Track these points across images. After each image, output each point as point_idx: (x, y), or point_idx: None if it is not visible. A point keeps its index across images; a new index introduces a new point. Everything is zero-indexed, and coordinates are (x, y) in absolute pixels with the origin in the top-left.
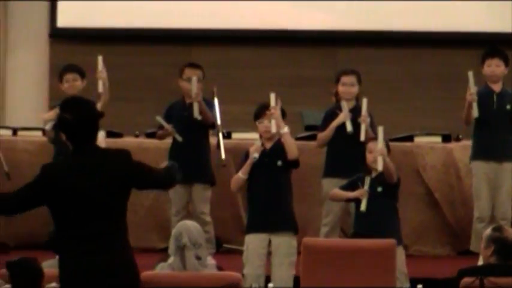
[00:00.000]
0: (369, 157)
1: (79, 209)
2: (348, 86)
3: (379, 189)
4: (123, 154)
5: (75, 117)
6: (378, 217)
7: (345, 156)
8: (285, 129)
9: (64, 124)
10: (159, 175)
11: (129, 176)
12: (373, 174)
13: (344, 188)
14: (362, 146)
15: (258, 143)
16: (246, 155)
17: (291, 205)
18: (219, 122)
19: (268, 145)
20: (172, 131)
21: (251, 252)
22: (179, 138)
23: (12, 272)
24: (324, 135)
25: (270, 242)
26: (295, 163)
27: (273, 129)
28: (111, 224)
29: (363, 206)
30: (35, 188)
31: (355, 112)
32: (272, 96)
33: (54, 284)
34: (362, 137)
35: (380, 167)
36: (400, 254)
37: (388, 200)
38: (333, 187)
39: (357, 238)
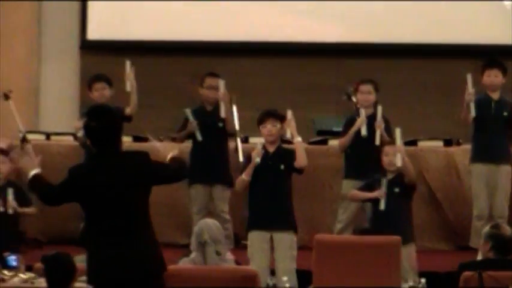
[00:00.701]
0: (385, 160)
1: (103, 206)
2: (365, 94)
3: (396, 190)
4: (142, 155)
5: (98, 124)
6: (395, 216)
7: (363, 159)
8: (299, 139)
9: (88, 130)
10: (171, 171)
11: (148, 175)
12: (389, 176)
13: (361, 188)
14: (378, 150)
15: (259, 147)
16: (248, 158)
17: (291, 206)
18: (237, 127)
19: (272, 149)
20: (195, 127)
21: (255, 248)
22: (199, 137)
23: (48, 266)
24: (344, 140)
25: (271, 238)
26: (301, 170)
27: (288, 135)
28: (134, 219)
29: (382, 205)
30: (65, 189)
31: (372, 118)
32: (289, 113)
33: (84, 278)
34: (377, 142)
35: (399, 162)
36: (412, 250)
37: (404, 200)
38: (351, 188)
39: (365, 235)
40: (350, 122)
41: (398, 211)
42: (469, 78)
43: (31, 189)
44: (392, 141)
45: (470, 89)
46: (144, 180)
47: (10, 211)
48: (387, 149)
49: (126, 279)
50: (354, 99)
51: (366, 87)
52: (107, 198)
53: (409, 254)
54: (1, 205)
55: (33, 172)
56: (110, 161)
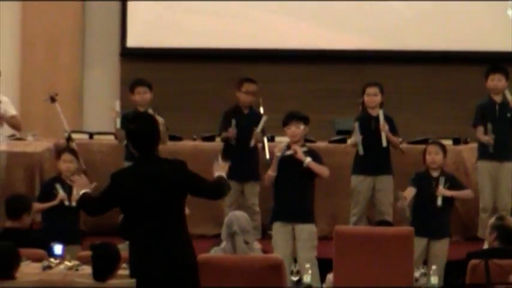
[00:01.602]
0: (428, 158)
1: (142, 209)
2: (371, 96)
3: (446, 187)
4: (180, 165)
5: (137, 127)
6: (443, 213)
7: (370, 157)
8: (307, 160)
9: (129, 132)
10: (210, 186)
11: (184, 184)
12: (434, 174)
13: (412, 182)
14: (384, 148)
15: (283, 145)
16: (272, 155)
17: (312, 200)
18: (260, 128)
19: (297, 150)
20: (233, 135)
21: (279, 238)
22: (233, 142)
23: (95, 254)
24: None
25: (293, 229)
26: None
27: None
28: (170, 220)
29: (440, 202)
30: (108, 195)
31: (378, 120)
32: (297, 148)
33: (125, 265)
34: (384, 143)
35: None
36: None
37: (449, 198)
38: (358, 183)
39: (382, 226)
40: (357, 120)
41: (443, 206)
42: (479, 131)
43: (79, 204)
44: (399, 142)
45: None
46: (179, 188)
47: (74, 204)
48: (430, 148)
49: (163, 277)
50: (360, 100)
51: (372, 90)
52: (145, 201)
53: (442, 248)
54: (66, 199)
55: (83, 191)
56: (148, 167)
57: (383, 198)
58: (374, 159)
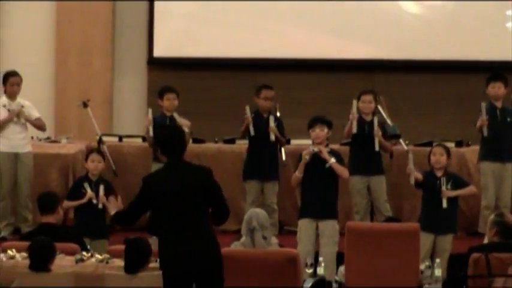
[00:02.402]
0: (432, 159)
1: (172, 209)
2: (366, 103)
3: (449, 186)
4: (206, 171)
5: (167, 138)
6: (448, 211)
7: (364, 158)
8: (332, 160)
9: (160, 142)
10: (222, 206)
11: (207, 191)
12: (438, 174)
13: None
14: (376, 151)
15: (311, 148)
16: (300, 157)
17: (336, 198)
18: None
19: (323, 150)
20: (250, 122)
21: (303, 233)
22: (252, 132)
23: (128, 247)
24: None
25: (317, 226)
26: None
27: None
28: (196, 220)
29: (445, 204)
30: (140, 200)
31: (371, 125)
32: (323, 149)
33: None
34: (376, 148)
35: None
36: (451, 240)
37: (454, 197)
38: (355, 183)
39: (389, 222)
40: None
41: (450, 207)
42: (483, 106)
43: (114, 221)
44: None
45: (483, 115)
46: (203, 193)
47: (100, 206)
48: (435, 149)
49: (191, 269)
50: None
51: (367, 97)
52: (174, 202)
53: (447, 243)
54: (94, 197)
55: (115, 210)
56: (177, 171)
57: (378, 196)
58: (367, 161)
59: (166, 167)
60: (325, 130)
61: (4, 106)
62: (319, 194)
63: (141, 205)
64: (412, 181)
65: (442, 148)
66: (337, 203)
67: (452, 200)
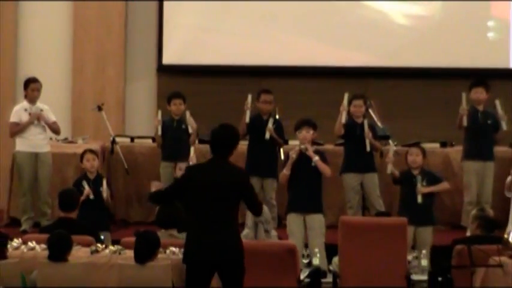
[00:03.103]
0: (409, 159)
1: (204, 202)
2: (357, 107)
3: (424, 183)
4: (243, 174)
5: (221, 136)
6: (425, 205)
7: (356, 158)
8: (316, 158)
9: (213, 138)
10: (256, 204)
11: (241, 193)
12: (415, 172)
13: (398, 179)
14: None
15: (297, 148)
16: (287, 156)
17: (321, 193)
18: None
19: (309, 148)
20: (248, 109)
21: (293, 227)
22: (247, 119)
23: (138, 239)
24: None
25: (304, 219)
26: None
27: (302, 148)
28: (224, 214)
29: (420, 199)
30: (178, 184)
31: (362, 127)
32: (309, 147)
33: (161, 250)
34: (367, 148)
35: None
36: (431, 231)
37: (430, 193)
38: (349, 180)
39: (380, 216)
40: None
41: (426, 202)
42: (464, 96)
43: (150, 198)
44: (381, 146)
45: (464, 105)
46: (237, 194)
47: (105, 195)
48: (411, 150)
49: (213, 260)
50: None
51: (358, 102)
52: (207, 195)
53: (428, 234)
54: (91, 194)
55: (155, 189)
56: (218, 168)
57: (371, 192)
58: (359, 160)
59: (209, 162)
60: (311, 132)
61: (25, 110)
62: (305, 190)
63: (177, 190)
64: (389, 171)
65: (418, 149)
66: (322, 198)
67: (427, 195)
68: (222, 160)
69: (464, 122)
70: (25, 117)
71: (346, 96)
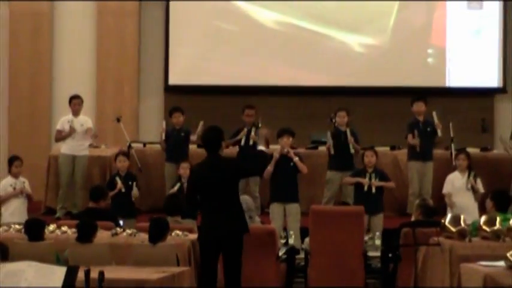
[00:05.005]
0: (365, 159)
1: (210, 191)
2: (341, 118)
3: (377, 179)
4: (234, 161)
5: (208, 137)
6: (376, 197)
7: (340, 158)
8: (296, 159)
9: (203, 140)
10: (251, 167)
11: (237, 173)
12: (370, 170)
13: (352, 175)
14: (349, 154)
15: (278, 149)
16: (271, 156)
17: (298, 186)
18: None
19: (290, 151)
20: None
21: (275, 214)
22: (243, 142)
23: (152, 224)
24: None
25: (284, 208)
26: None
27: (285, 151)
28: (229, 198)
29: (374, 190)
30: (192, 187)
31: (346, 133)
32: (290, 150)
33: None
34: (352, 150)
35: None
36: (381, 217)
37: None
38: (332, 176)
39: (343, 206)
40: (331, 134)
41: (377, 193)
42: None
43: (187, 205)
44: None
45: (416, 139)
46: (234, 176)
47: (134, 192)
48: (367, 153)
49: (223, 235)
50: (334, 120)
51: (342, 113)
52: (213, 186)
53: (379, 220)
54: (123, 188)
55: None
56: (214, 163)
57: (347, 186)
58: (343, 161)
59: (206, 159)
60: (290, 138)
61: (68, 122)
62: (285, 184)
63: (193, 190)
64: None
65: (372, 151)
66: (299, 190)
67: (379, 190)
68: (215, 155)
69: (417, 149)
70: (67, 127)
71: (329, 135)
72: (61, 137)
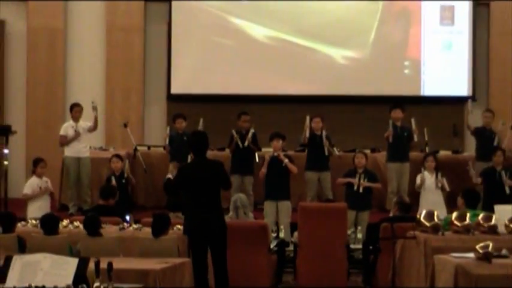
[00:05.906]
0: (356, 161)
1: (196, 189)
2: (317, 123)
3: (366, 180)
4: (218, 164)
5: (194, 140)
6: (364, 195)
7: (316, 159)
8: (286, 161)
9: (190, 143)
10: (228, 183)
11: (219, 177)
12: (360, 171)
13: (344, 175)
14: (325, 155)
15: (270, 153)
16: (262, 159)
17: (289, 185)
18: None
19: (280, 154)
20: (238, 139)
21: (268, 211)
22: (240, 145)
23: (155, 219)
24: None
25: (277, 205)
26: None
27: (276, 154)
28: (211, 198)
29: (361, 190)
30: (177, 180)
31: (321, 137)
32: (281, 153)
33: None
34: (326, 153)
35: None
36: (367, 214)
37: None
38: (310, 176)
39: (328, 203)
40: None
41: (365, 192)
42: (391, 123)
43: (165, 186)
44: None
45: (390, 129)
46: (216, 179)
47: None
48: (357, 155)
49: (205, 231)
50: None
51: (317, 119)
52: (197, 185)
53: (365, 216)
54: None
55: (168, 176)
56: (200, 164)
57: (326, 186)
58: (318, 161)
59: (194, 161)
60: (281, 142)
61: (72, 127)
62: (278, 184)
63: (177, 184)
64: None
65: (362, 153)
66: (290, 189)
67: (367, 189)
68: (201, 157)
69: (390, 139)
70: (71, 132)
71: (307, 118)
72: (66, 141)
